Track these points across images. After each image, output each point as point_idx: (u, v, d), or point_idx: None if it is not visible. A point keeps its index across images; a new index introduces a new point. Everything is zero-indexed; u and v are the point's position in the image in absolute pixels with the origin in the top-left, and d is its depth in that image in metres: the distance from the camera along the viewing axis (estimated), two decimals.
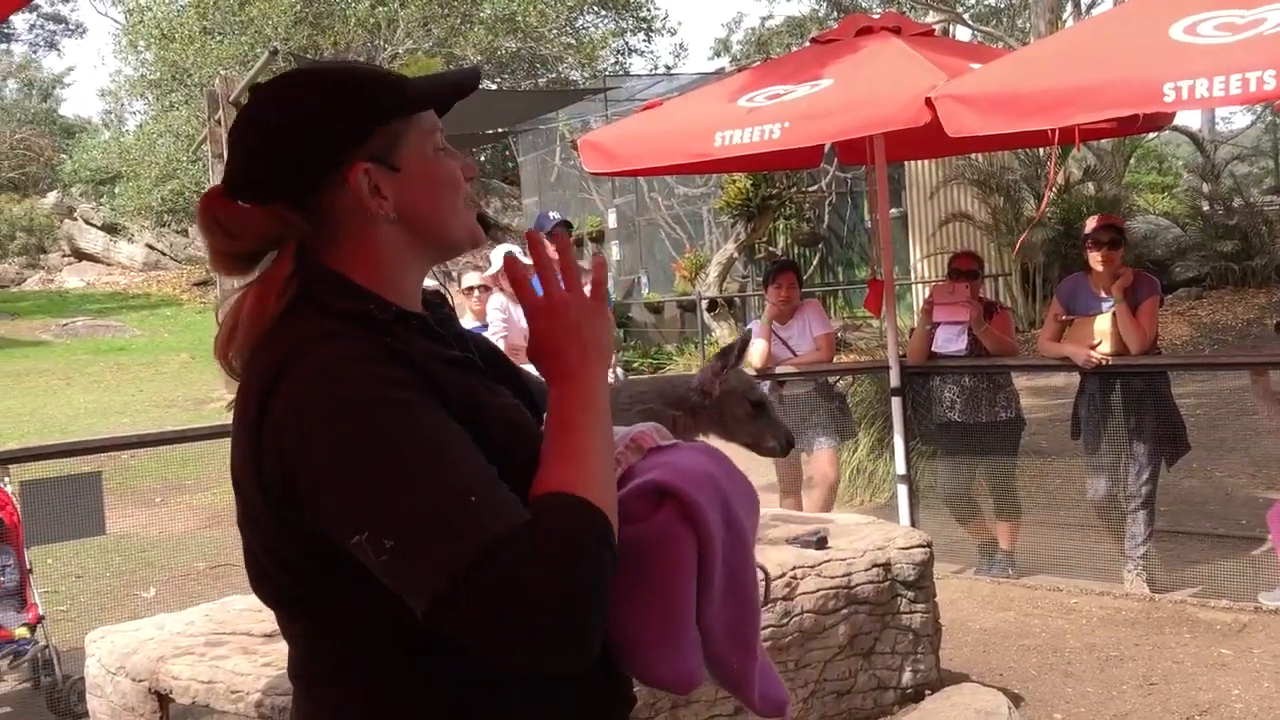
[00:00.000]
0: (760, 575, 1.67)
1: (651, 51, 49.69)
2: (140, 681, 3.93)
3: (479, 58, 25.84)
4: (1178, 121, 20.38)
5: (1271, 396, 6.44)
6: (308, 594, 1.52)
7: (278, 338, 1.51)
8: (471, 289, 7.28)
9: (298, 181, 1.56)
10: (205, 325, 23.84)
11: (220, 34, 25.50)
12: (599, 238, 20.66)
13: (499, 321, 7.03)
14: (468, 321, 7.23)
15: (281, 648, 3.85)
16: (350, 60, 2.27)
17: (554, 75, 28.57)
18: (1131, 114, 5.76)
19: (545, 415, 1.55)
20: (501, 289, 7.13)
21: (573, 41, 28.63)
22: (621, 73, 29.19)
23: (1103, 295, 6.68)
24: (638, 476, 1.59)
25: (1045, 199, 9.98)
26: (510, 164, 27.83)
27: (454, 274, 7.68)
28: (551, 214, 7.93)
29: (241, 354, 1.54)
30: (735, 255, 16.74)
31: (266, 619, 4.13)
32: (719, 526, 1.57)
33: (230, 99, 13.94)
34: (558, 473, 1.45)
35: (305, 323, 1.52)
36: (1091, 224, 6.78)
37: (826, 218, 18.79)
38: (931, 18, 19.11)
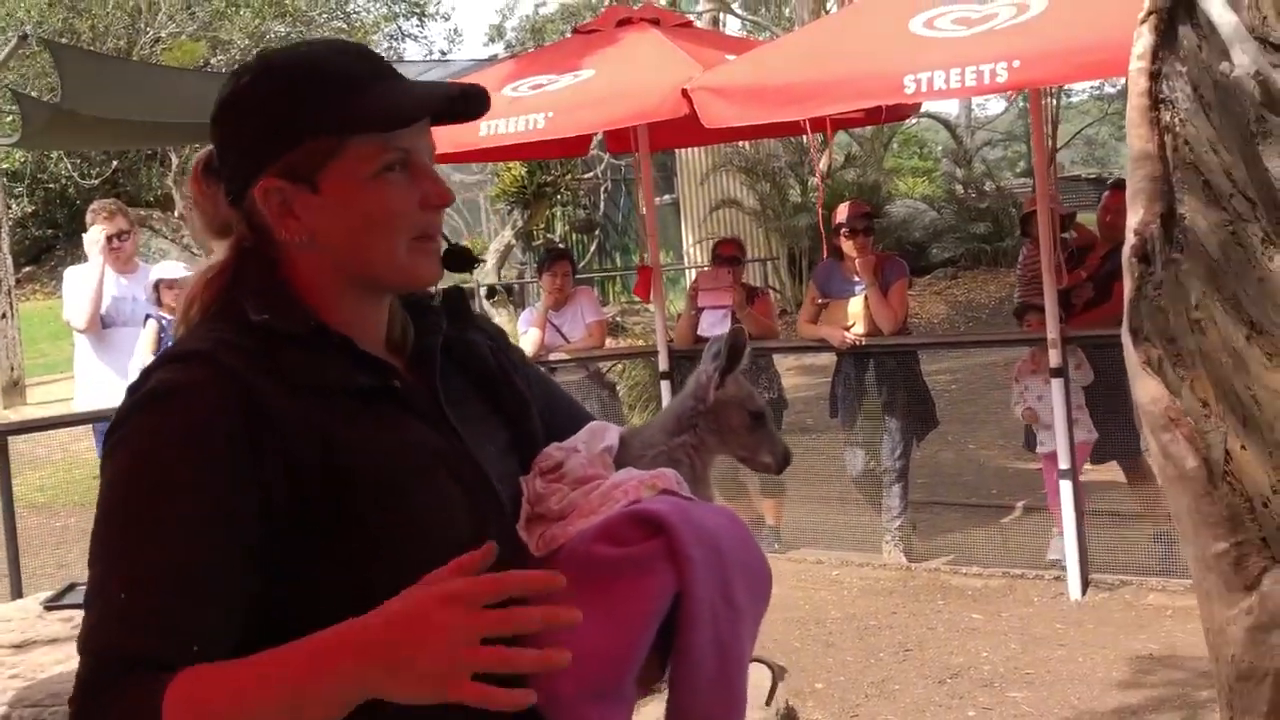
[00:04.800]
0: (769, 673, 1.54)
1: (425, 37, 49.15)
2: None
3: (246, 42, 25.11)
4: (934, 108, 21.31)
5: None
6: None
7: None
8: None
9: (228, 182, 1.46)
10: None
11: None
12: None
13: None
14: None
15: (30, 659, 3.70)
16: (334, 41, 1.88)
17: None
18: (875, 105, 6.01)
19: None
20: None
21: (344, 26, 28.06)
22: (395, 59, 28.80)
23: (855, 279, 6.94)
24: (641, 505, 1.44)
25: (820, 188, 10.28)
26: None
27: None
28: None
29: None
30: (513, 242, 16.73)
31: (16, 629, 3.99)
32: (711, 591, 1.39)
33: None
34: (215, 693, 1.20)
35: (201, 331, 1.43)
36: (842, 212, 7.03)
37: (602, 204, 18.95)
38: (702, 5, 19.44)
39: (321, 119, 1.40)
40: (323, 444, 1.34)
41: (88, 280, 6.57)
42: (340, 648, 1.19)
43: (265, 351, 1.37)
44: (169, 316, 6.50)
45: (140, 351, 6.32)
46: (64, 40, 19.51)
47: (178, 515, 1.28)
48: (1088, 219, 8.65)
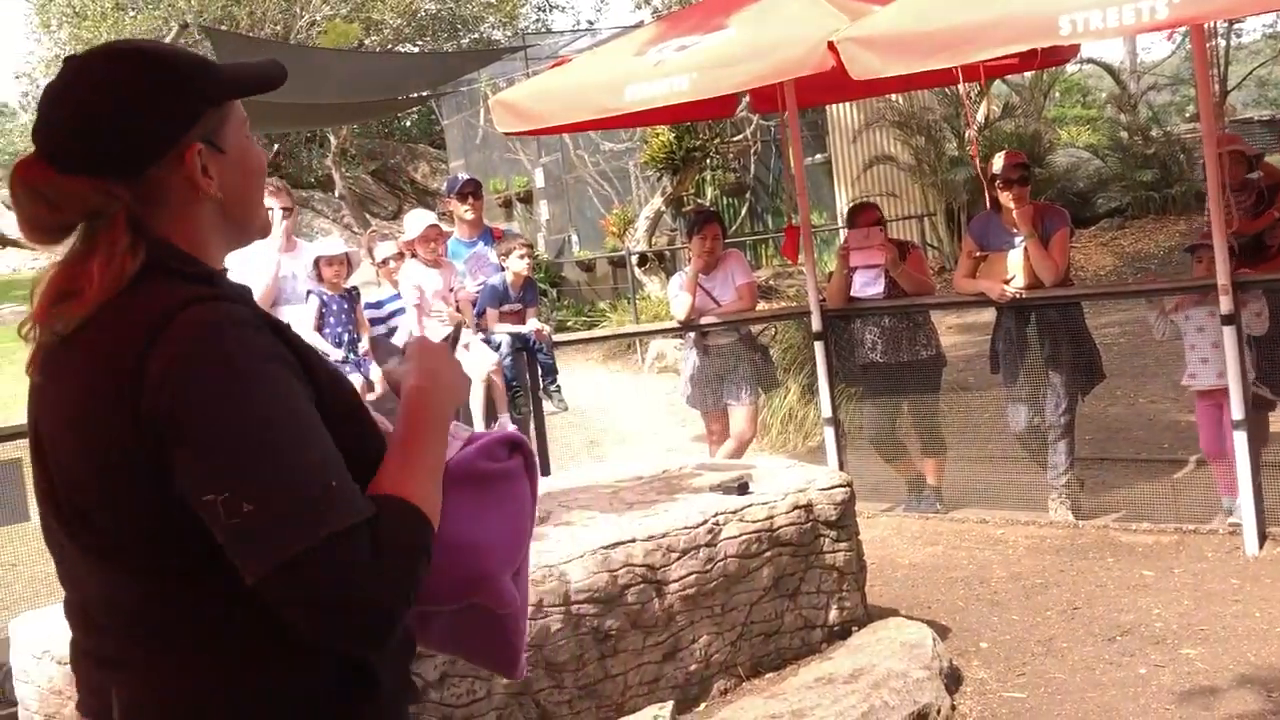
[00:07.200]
0: None
1: (573, 7, 49.24)
2: (65, 664, 3.91)
3: (398, 21, 25.54)
4: (1095, 54, 20.64)
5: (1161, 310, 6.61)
6: (174, 556, 1.53)
7: (133, 303, 1.54)
8: (386, 260, 7.22)
9: (132, 157, 1.59)
10: None
11: (133, 9, 25.05)
12: (527, 198, 20.57)
13: (411, 290, 6.98)
14: (385, 292, 7.16)
15: None
16: (155, 41, 3.33)
17: (476, 35, 28.33)
18: (1030, 48, 5.82)
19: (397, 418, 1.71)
20: (415, 254, 7.08)
21: (492, 0, 28.36)
22: (543, 30, 28.99)
23: (1014, 231, 6.77)
24: (476, 442, 1.85)
25: (974, 140, 10.02)
26: (436, 127, 27.62)
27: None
28: (460, 175, 7.96)
29: (76, 319, 1.56)
30: (663, 209, 16.72)
31: None
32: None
33: None
34: (400, 479, 1.58)
35: (166, 288, 1.55)
36: (999, 163, 6.85)
37: (752, 167, 18.81)
38: None
39: (215, 87, 1.64)
40: (310, 380, 1.58)
41: (264, 256, 6.51)
42: (424, 411, 1.68)
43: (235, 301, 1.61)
44: (330, 292, 6.66)
45: (304, 327, 6.41)
46: (223, 27, 20.11)
47: (306, 415, 1.52)
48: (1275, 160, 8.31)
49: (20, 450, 6.49)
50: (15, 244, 33.02)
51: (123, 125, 1.58)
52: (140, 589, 1.56)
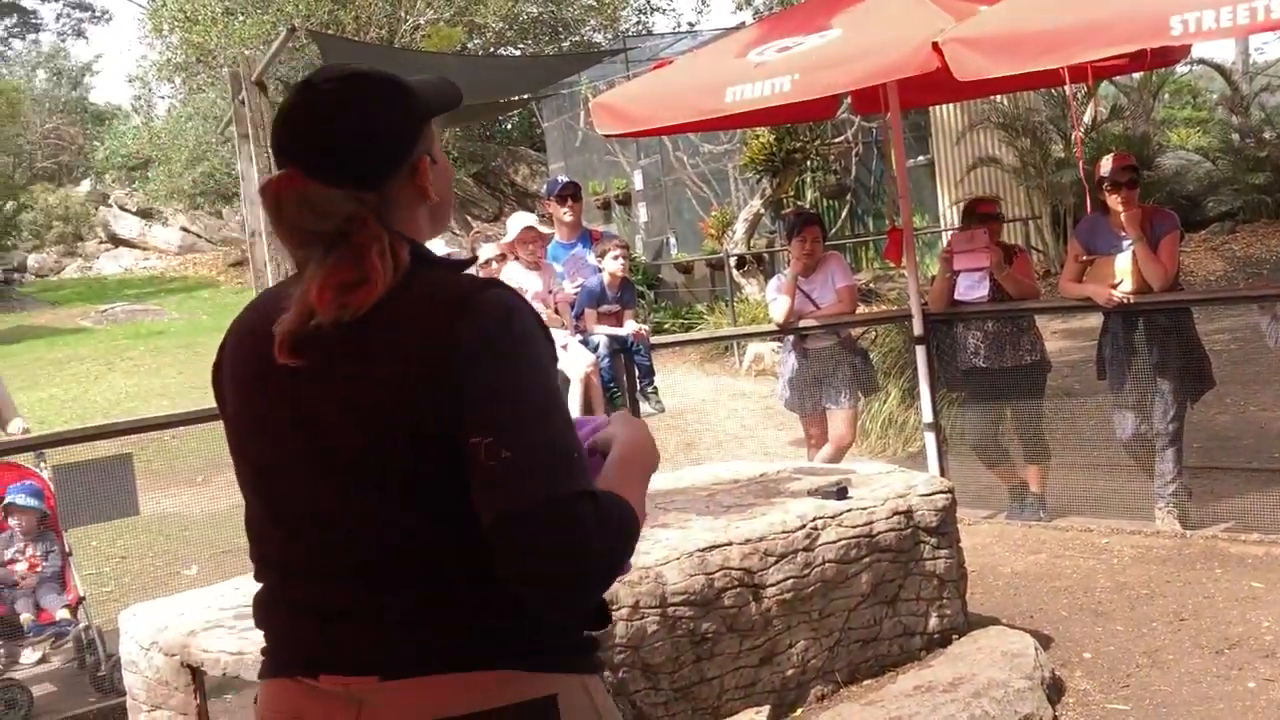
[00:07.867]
0: None
1: (674, 9, 49.12)
2: (172, 656, 4.00)
3: (500, 25, 25.76)
4: (1206, 54, 20.16)
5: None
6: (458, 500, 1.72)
7: (418, 287, 1.77)
8: (488, 261, 7.27)
9: (382, 169, 1.83)
10: (242, 305, 23.90)
11: (242, 13, 25.50)
12: (626, 200, 20.61)
13: None
14: None
15: None
16: (373, 67, 2.56)
17: (577, 38, 28.48)
18: (1139, 49, 5.71)
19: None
20: (516, 257, 7.12)
21: (594, 3, 28.48)
22: (643, 32, 29.04)
23: (1122, 234, 6.64)
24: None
25: (1079, 141, 9.86)
26: (537, 130, 27.80)
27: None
28: (560, 177, 8.01)
29: (368, 303, 1.74)
30: (762, 211, 16.66)
31: None
32: None
33: (252, 79, 13.96)
34: (619, 487, 1.80)
35: (442, 274, 1.81)
36: (1107, 165, 6.72)
37: (853, 169, 18.67)
38: None
39: (424, 107, 1.89)
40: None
41: None
42: (635, 454, 1.92)
43: None
44: None
45: None
46: (330, 32, 20.43)
47: (560, 394, 1.78)
48: None
49: (131, 445, 6.65)
50: (128, 244, 33.90)
51: (376, 142, 1.83)
52: (430, 534, 1.75)
